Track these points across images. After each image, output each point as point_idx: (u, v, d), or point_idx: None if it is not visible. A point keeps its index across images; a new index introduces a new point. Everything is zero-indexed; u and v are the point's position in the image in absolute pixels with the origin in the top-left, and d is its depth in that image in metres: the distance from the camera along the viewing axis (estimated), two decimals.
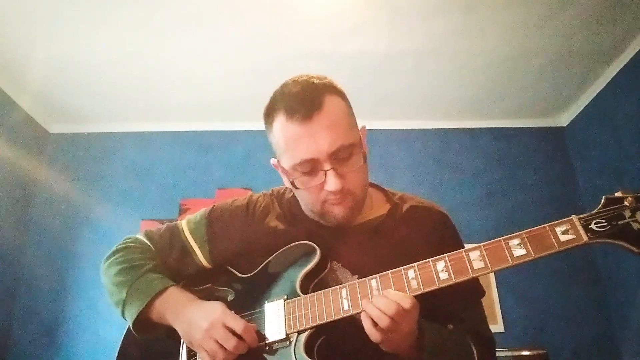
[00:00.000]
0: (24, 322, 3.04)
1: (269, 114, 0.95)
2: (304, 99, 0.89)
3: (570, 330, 3.09)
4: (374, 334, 0.81)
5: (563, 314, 3.14)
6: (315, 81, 0.93)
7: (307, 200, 0.98)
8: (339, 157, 0.90)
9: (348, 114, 0.95)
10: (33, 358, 2.96)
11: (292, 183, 0.94)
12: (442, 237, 1.03)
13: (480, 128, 3.65)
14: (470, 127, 3.65)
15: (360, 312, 0.84)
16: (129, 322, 0.99)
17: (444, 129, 3.64)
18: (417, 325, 0.84)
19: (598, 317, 3.14)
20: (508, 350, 2.58)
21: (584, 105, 3.42)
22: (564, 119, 3.66)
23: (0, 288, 2.96)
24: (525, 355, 2.62)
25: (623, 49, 2.93)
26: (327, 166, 0.89)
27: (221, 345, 0.88)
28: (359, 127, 0.99)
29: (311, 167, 0.90)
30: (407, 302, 0.79)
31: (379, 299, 0.81)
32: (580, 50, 2.93)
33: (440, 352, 0.87)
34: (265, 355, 0.91)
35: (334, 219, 0.97)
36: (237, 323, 0.90)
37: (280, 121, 0.91)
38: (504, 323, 3.06)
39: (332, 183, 0.89)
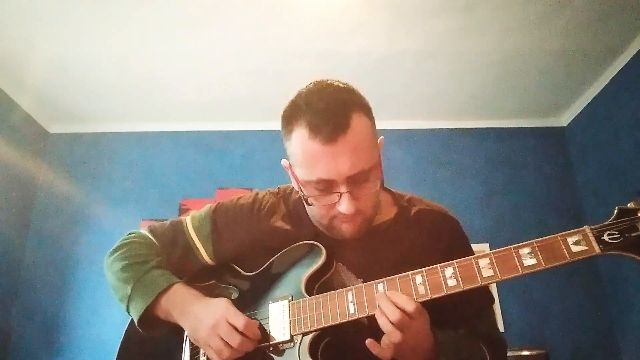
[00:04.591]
0: (24, 322, 3.03)
1: (289, 121, 0.91)
2: (329, 118, 0.85)
3: (570, 330, 3.09)
4: (384, 356, 0.81)
5: (563, 314, 3.14)
6: (343, 96, 0.89)
7: (315, 213, 0.97)
8: (357, 180, 0.88)
9: (372, 134, 0.92)
10: (33, 358, 2.96)
11: (305, 199, 0.93)
12: (451, 243, 1.01)
13: (480, 128, 3.65)
14: (470, 127, 3.65)
15: (366, 316, 0.84)
16: (134, 319, 0.98)
17: (444, 129, 3.64)
18: (430, 333, 0.83)
19: (598, 317, 3.15)
20: (508, 351, 2.58)
21: (584, 105, 3.42)
22: (564, 119, 3.66)
23: (0, 288, 2.96)
24: (525, 355, 2.62)
25: (623, 49, 2.94)
26: (343, 189, 0.87)
27: (227, 342, 0.88)
28: (378, 140, 0.96)
29: (326, 186, 0.88)
30: (411, 306, 0.79)
31: (387, 307, 0.80)
32: (580, 50, 2.93)
33: (454, 356, 0.87)
34: (268, 356, 0.91)
35: (340, 235, 0.96)
36: (239, 320, 0.90)
37: (301, 134, 0.87)
38: (504, 323, 3.06)
39: (345, 206, 0.88)
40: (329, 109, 0.86)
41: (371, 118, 0.93)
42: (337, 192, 0.88)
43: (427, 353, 0.84)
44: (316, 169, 0.87)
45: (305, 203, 0.95)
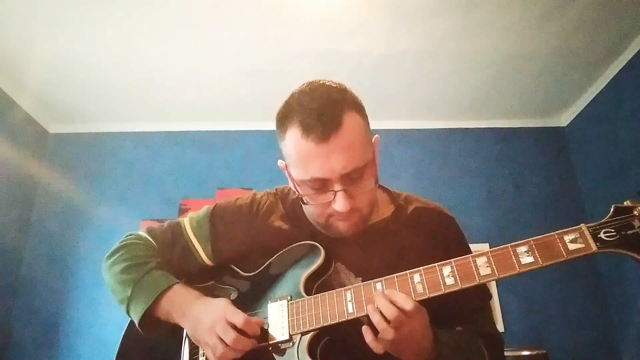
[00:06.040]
0: (24, 322, 3.03)
1: (283, 122, 0.91)
2: (321, 117, 0.85)
3: (570, 331, 3.09)
4: (375, 347, 0.81)
5: (563, 314, 3.14)
6: (334, 96, 0.89)
7: (312, 212, 0.98)
8: (351, 177, 0.88)
9: (365, 131, 0.92)
10: (33, 358, 2.96)
11: (301, 198, 0.94)
12: (448, 240, 1.02)
13: (480, 128, 3.65)
14: (470, 127, 3.65)
15: (364, 315, 0.84)
16: (135, 320, 0.98)
17: (444, 129, 3.64)
18: (429, 332, 0.83)
19: (598, 317, 3.15)
20: (508, 350, 2.58)
21: (584, 105, 3.42)
22: (564, 119, 3.66)
23: (0, 288, 2.96)
24: (525, 355, 2.62)
25: (623, 49, 2.94)
26: (337, 187, 0.88)
27: (222, 340, 0.88)
28: (373, 138, 0.96)
29: (321, 184, 0.89)
30: (408, 304, 0.79)
31: (383, 304, 0.80)
32: (580, 50, 2.93)
33: (453, 354, 0.87)
34: (268, 355, 0.91)
35: (337, 233, 0.96)
36: (238, 317, 0.90)
37: (294, 134, 0.88)
38: (504, 323, 3.06)
39: (340, 204, 0.88)
40: (321, 108, 0.86)
41: (364, 116, 0.93)
42: (332, 191, 0.88)
43: (426, 351, 0.84)
44: (310, 168, 0.87)
45: (301, 202, 0.96)
